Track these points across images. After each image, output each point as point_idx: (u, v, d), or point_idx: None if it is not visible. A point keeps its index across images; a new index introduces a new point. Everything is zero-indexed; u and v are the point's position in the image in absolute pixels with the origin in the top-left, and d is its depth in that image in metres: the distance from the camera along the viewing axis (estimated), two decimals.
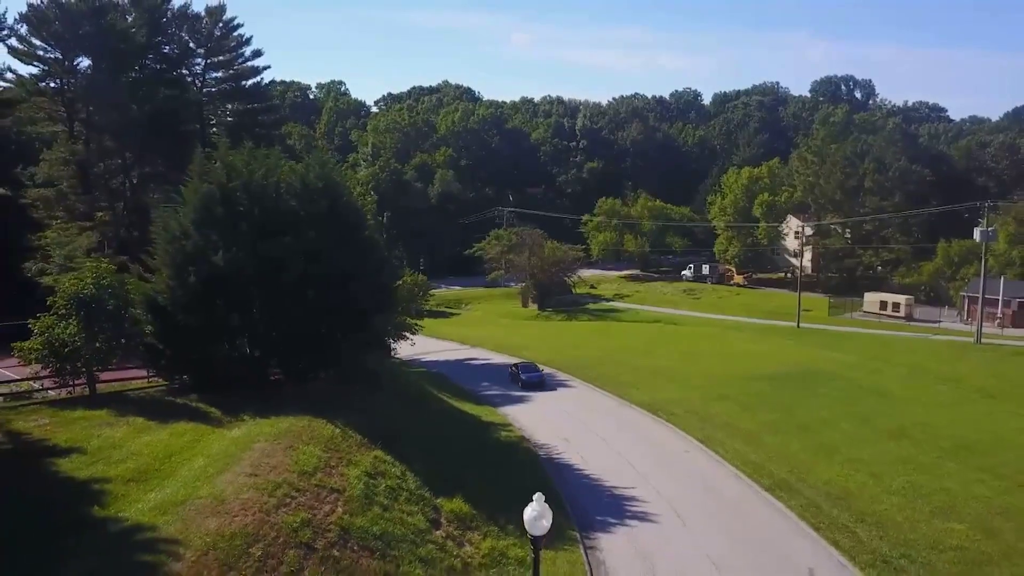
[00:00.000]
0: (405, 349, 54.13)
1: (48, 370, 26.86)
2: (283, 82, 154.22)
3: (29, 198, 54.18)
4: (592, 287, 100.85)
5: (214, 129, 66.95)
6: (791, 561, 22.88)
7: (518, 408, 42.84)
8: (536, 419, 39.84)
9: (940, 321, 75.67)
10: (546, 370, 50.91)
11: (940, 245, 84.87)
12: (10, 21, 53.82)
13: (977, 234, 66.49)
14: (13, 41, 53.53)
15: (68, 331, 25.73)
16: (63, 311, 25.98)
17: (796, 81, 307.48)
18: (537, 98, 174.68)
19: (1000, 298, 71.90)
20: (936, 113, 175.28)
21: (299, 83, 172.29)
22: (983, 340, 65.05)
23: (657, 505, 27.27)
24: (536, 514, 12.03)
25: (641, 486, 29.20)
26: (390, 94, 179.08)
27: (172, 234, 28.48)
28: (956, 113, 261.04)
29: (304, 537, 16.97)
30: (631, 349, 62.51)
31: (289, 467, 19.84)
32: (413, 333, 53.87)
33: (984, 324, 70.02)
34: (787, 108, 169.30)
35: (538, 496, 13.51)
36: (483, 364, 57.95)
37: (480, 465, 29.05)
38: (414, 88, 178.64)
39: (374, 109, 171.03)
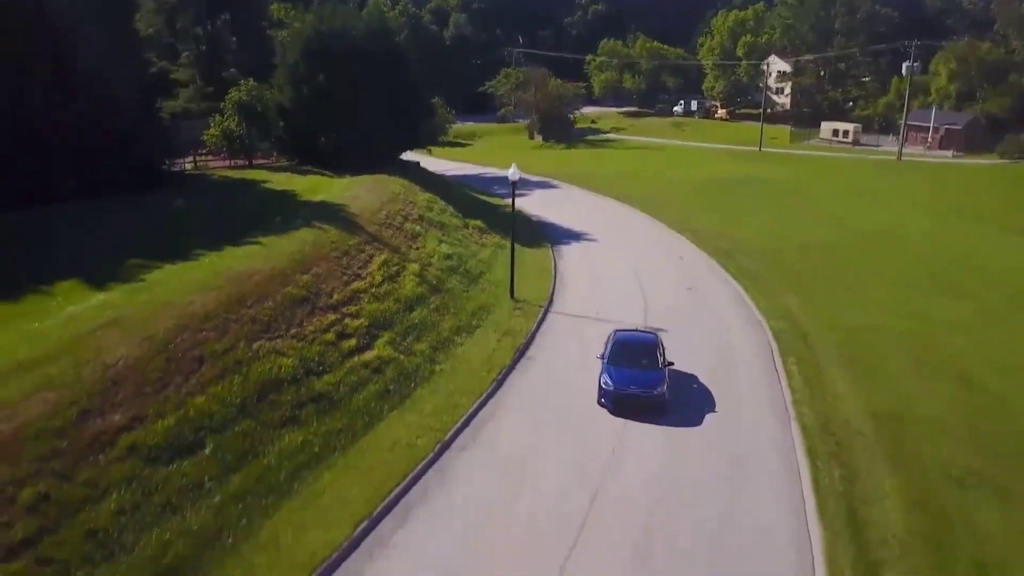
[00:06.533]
0: (431, 166, 68.99)
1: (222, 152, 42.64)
2: None
3: None
4: (593, 122, 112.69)
5: None
6: (673, 253, 39.34)
7: (519, 198, 58.56)
8: (532, 203, 55.28)
9: (880, 145, 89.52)
10: (542, 179, 66.00)
11: (893, 80, 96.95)
12: None
13: (904, 69, 79.16)
14: None
15: (234, 124, 41.12)
16: (229, 112, 41.25)
17: None
18: None
19: (931, 125, 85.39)
20: None
21: None
22: (904, 159, 79.28)
23: (600, 237, 43.52)
24: (513, 171, 27.73)
25: (593, 230, 45.22)
26: None
27: (288, 63, 43.12)
28: None
29: (403, 213, 33.33)
30: (615, 166, 77.16)
31: (385, 192, 35.81)
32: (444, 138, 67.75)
33: (915, 147, 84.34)
34: None
35: (514, 164, 28.85)
36: (494, 177, 73.09)
37: (492, 217, 44.98)
38: None
39: None
